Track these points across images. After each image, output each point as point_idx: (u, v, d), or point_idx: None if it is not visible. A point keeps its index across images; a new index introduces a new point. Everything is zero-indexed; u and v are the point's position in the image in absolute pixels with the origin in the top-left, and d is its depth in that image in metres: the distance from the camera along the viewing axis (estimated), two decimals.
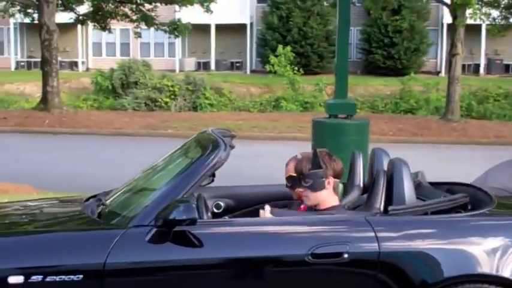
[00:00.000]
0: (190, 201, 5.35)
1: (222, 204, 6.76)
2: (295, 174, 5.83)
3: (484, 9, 29.74)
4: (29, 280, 5.29)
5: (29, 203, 7.42)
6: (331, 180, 5.74)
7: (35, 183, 14.04)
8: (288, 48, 40.07)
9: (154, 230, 5.29)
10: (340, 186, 6.66)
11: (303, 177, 5.72)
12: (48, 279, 5.30)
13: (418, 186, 6.26)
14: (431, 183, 6.63)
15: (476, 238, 5.41)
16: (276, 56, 39.45)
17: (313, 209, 5.86)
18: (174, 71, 45.90)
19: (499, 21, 31.40)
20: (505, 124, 30.54)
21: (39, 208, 6.93)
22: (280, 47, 40.55)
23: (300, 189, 5.82)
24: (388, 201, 5.82)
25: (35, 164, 17.57)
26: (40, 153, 20.04)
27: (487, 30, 38.52)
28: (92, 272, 5.31)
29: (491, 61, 47.45)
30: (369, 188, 6.11)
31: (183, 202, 5.26)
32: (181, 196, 5.51)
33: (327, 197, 5.76)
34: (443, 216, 5.75)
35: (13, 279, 5.28)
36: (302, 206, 6.04)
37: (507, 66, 47.61)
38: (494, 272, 5.29)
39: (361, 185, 6.61)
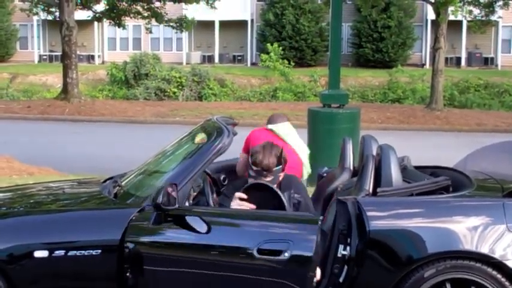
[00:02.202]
0: (176, 186, 5.32)
1: (225, 177, 6.75)
2: (258, 168, 5.59)
3: (465, 7, 29.72)
4: (53, 254, 5.33)
5: (52, 184, 7.44)
6: (283, 173, 5.76)
7: (57, 166, 14.05)
8: (276, 45, 40.07)
9: (155, 212, 5.31)
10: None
11: (266, 172, 5.61)
12: (70, 253, 5.33)
13: (404, 169, 6.25)
14: (416, 167, 6.63)
15: (458, 217, 5.40)
16: (268, 53, 39.47)
17: None
18: (181, 63, 45.82)
19: (480, 18, 31.33)
20: (485, 112, 30.53)
21: (60, 189, 6.93)
22: (268, 44, 40.68)
23: (257, 181, 5.62)
24: (377, 183, 5.83)
25: (56, 149, 17.58)
26: (61, 139, 20.05)
27: (468, 27, 38.47)
28: (109, 247, 5.33)
29: (472, 54, 47.44)
30: (358, 172, 6.10)
31: (170, 186, 5.28)
32: (189, 179, 5.52)
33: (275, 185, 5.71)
34: (427, 197, 5.74)
35: (38, 254, 5.32)
36: None
37: (486, 59, 47.68)
38: (474, 249, 5.28)
39: (351, 168, 6.62)
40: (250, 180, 5.61)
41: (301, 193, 5.79)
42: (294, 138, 7.58)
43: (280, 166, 5.65)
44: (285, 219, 5.27)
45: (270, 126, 7.50)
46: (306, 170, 7.66)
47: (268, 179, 5.55)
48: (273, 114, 8.02)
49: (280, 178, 5.70)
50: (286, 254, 4.89)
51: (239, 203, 5.42)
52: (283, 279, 4.89)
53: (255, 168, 5.57)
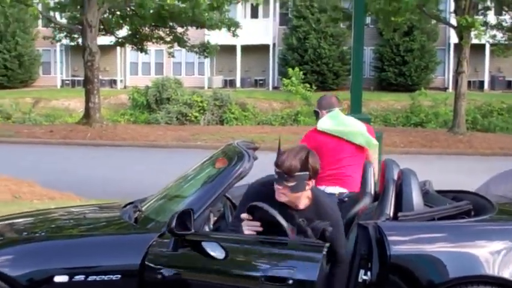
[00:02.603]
0: (191, 212, 5.29)
1: None
2: (280, 170, 5.26)
3: (488, 31, 29.71)
4: (73, 279, 5.35)
5: (73, 209, 7.47)
6: (311, 182, 5.31)
7: (78, 190, 14.10)
8: (297, 69, 40.16)
9: (173, 238, 5.30)
10: None
11: (288, 176, 5.19)
12: (90, 278, 5.35)
13: (425, 194, 6.23)
14: (438, 191, 6.61)
15: (479, 242, 5.39)
16: (289, 78, 39.57)
17: (293, 208, 5.34)
18: (203, 88, 46.00)
19: (503, 41, 31.30)
20: (508, 136, 30.40)
21: (82, 214, 6.97)
22: (290, 69, 40.85)
23: (279, 186, 5.26)
24: (398, 207, 5.81)
25: (78, 174, 17.65)
26: (82, 164, 20.14)
27: (491, 50, 38.46)
28: (129, 272, 5.34)
29: (495, 78, 47.41)
30: (380, 196, 6.09)
31: (184, 213, 5.26)
32: (209, 204, 5.52)
33: (302, 196, 5.31)
34: (449, 221, 5.73)
35: (58, 279, 5.34)
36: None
37: (509, 83, 47.62)
38: (495, 274, 5.26)
39: (372, 192, 6.61)
40: (276, 186, 5.36)
41: (332, 222, 5.33)
42: (346, 126, 7.52)
43: (307, 173, 5.22)
44: (291, 246, 5.20)
45: (318, 125, 7.51)
46: (372, 148, 7.57)
47: (291, 184, 5.22)
48: (321, 98, 7.95)
49: (308, 188, 5.30)
50: (290, 281, 4.83)
51: (247, 223, 5.30)
52: None
53: (277, 170, 5.30)
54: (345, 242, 5.43)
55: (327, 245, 4.99)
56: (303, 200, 5.33)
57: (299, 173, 5.18)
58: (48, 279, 5.35)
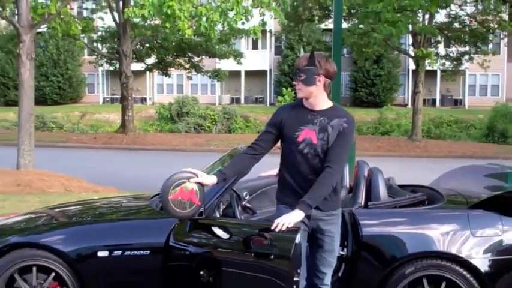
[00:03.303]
0: (208, 201, 5.30)
1: (247, 193, 6.71)
2: (296, 71, 4.90)
3: (439, 60, 29.80)
4: (112, 254, 5.35)
5: (112, 199, 7.46)
6: (322, 78, 4.79)
7: (116, 185, 14.10)
8: (289, 89, 40.22)
9: (189, 221, 5.27)
10: None
11: (298, 71, 4.82)
12: (125, 253, 5.36)
13: (389, 187, 6.24)
14: (400, 186, 6.62)
15: (432, 225, 5.39)
16: (283, 95, 39.64)
17: (312, 111, 4.88)
18: (214, 104, 45.98)
19: (451, 68, 31.41)
20: (455, 142, 30.46)
21: (119, 203, 6.97)
22: (283, 89, 41.18)
23: (295, 82, 4.88)
24: (368, 198, 5.83)
25: (116, 172, 17.66)
26: (119, 164, 20.14)
27: (441, 75, 38.52)
28: (156, 248, 5.34)
29: (445, 97, 47.54)
30: (353, 189, 6.10)
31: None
32: (218, 195, 5.52)
33: (318, 94, 4.83)
34: (408, 209, 5.76)
35: (101, 254, 5.35)
36: None
37: (456, 101, 47.86)
38: (445, 250, 5.27)
39: (348, 186, 6.62)
40: (294, 84, 4.95)
41: (347, 119, 4.84)
42: None
43: (314, 67, 4.79)
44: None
45: None
46: None
47: (302, 77, 4.79)
48: None
49: (319, 83, 4.80)
50: (272, 257, 4.69)
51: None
52: (271, 275, 4.81)
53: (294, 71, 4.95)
54: (346, 153, 4.85)
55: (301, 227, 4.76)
56: (322, 101, 4.87)
57: (307, 68, 4.80)
58: (93, 254, 5.36)
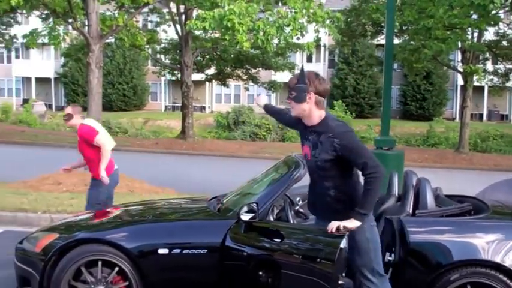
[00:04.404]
0: (255, 204, 5.33)
1: (300, 198, 6.71)
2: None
3: (487, 76, 29.44)
4: (172, 252, 5.43)
5: (172, 201, 7.56)
6: (312, 95, 4.74)
7: (176, 187, 14.21)
8: (340, 101, 40.08)
9: (244, 224, 5.34)
10: None
11: (290, 89, 4.83)
12: (184, 252, 5.43)
13: (437, 197, 6.19)
14: (447, 196, 6.56)
15: (477, 234, 5.36)
16: (333, 108, 39.57)
17: (307, 127, 4.95)
18: None
19: (498, 84, 30.97)
20: (501, 156, 29.91)
21: (178, 204, 7.06)
22: (334, 102, 41.34)
23: (287, 101, 4.89)
24: (416, 206, 5.79)
25: (176, 175, 17.79)
26: (180, 168, 20.30)
27: (489, 90, 37.99)
28: (213, 247, 5.40)
29: (491, 112, 47.08)
30: (402, 198, 6.06)
31: (249, 204, 5.32)
32: (273, 200, 5.55)
33: (310, 111, 4.81)
34: (454, 218, 5.71)
35: (161, 251, 5.44)
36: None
37: (502, 116, 47.30)
38: (489, 258, 5.22)
39: (397, 194, 6.57)
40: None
41: (334, 134, 4.77)
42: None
43: (304, 85, 4.76)
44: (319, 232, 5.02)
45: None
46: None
47: (293, 95, 4.80)
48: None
49: (309, 98, 4.76)
50: (318, 260, 4.76)
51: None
52: (315, 277, 4.82)
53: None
54: (367, 153, 4.76)
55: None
56: (314, 118, 4.86)
57: (297, 85, 4.79)
58: (154, 251, 5.44)
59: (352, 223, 4.64)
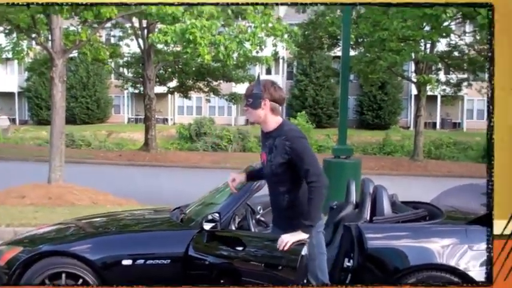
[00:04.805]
0: (217, 214, 5.31)
1: (261, 207, 6.70)
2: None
3: (440, 86, 29.86)
4: (135, 263, 5.38)
5: (135, 212, 7.50)
6: (267, 102, 4.80)
7: (139, 199, 14.12)
8: (303, 112, 40.26)
9: (206, 233, 5.31)
10: None
11: (246, 97, 4.89)
12: (148, 262, 5.38)
13: (393, 204, 6.24)
14: (402, 202, 6.62)
15: (433, 238, 5.41)
16: (295, 118, 39.72)
17: (265, 134, 4.99)
18: (230, 125, 46.00)
19: (450, 94, 31.46)
20: (454, 163, 30.33)
21: (142, 215, 7.00)
22: (298, 113, 41.14)
23: (245, 108, 4.94)
24: (373, 213, 5.83)
25: (140, 186, 17.67)
26: (142, 179, 20.17)
27: (442, 100, 38.54)
28: (176, 257, 5.37)
29: (444, 120, 47.58)
30: (359, 205, 6.10)
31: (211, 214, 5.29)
32: (234, 209, 5.54)
33: (265, 117, 4.87)
34: (410, 224, 5.75)
35: (125, 262, 5.39)
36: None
37: (455, 124, 47.79)
38: (444, 262, 5.27)
39: (354, 202, 6.62)
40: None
41: (287, 137, 4.78)
42: None
43: (259, 92, 4.83)
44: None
45: None
46: None
47: (249, 102, 4.86)
48: None
49: (264, 106, 4.83)
50: (280, 267, 4.73)
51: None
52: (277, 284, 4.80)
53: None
54: (313, 161, 4.72)
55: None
56: (270, 124, 4.91)
57: (253, 92, 4.84)
58: (117, 262, 5.39)
59: (300, 235, 4.62)
